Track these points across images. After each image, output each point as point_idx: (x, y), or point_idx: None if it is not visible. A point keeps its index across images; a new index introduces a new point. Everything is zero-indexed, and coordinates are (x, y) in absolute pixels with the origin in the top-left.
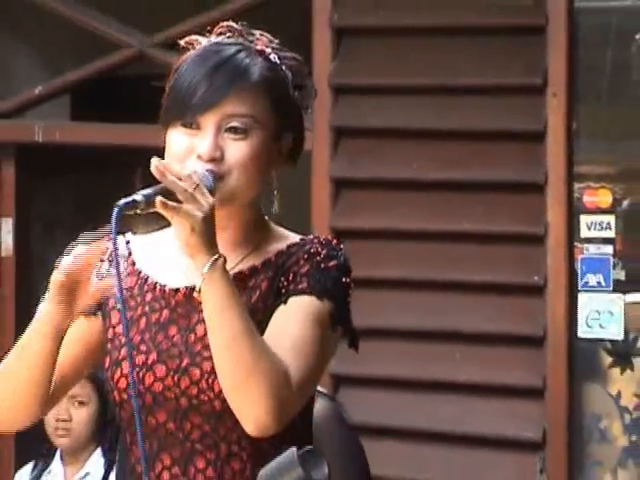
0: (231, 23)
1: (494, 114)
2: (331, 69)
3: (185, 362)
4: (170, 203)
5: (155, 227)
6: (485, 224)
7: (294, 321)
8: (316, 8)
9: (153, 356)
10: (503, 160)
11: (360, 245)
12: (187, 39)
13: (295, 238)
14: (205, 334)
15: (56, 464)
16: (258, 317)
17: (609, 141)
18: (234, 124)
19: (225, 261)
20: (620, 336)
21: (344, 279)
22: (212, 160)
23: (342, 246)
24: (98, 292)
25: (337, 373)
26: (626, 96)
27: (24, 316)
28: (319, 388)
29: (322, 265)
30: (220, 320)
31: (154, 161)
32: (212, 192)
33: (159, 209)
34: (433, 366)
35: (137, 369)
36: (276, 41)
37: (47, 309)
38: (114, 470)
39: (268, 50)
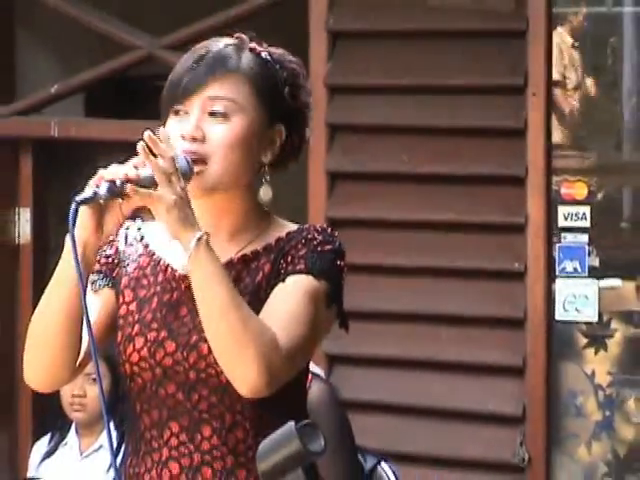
0: (240, 34)
1: (478, 112)
2: (327, 70)
3: (194, 339)
4: (142, 190)
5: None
6: (469, 214)
7: (290, 297)
8: (313, 13)
9: (164, 333)
10: (486, 155)
11: (354, 233)
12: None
13: (293, 227)
14: None
15: (72, 436)
16: (262, 297)
17: (585, 138)
18: (215, 107)
19: (209, 237)
20: (595, 318)
21: (339, 262)
22: (194, 139)
23: (337, 233)
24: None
25: (331, 353)
26: (601, 98)
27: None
28: (317, 371)
29: (319, 248)
30: (209, 292)
31: (146, 133)
32: (188, 174)
33: (131, 196)
34: (421, 346)
35: (149, 345)
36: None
37: (75, 239)
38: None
39: (260, 48)
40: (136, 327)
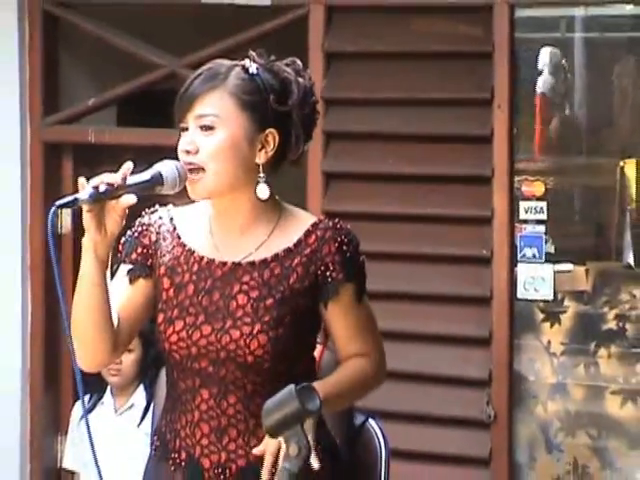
0: (253, 53)
1: (452, 122)
2: (323, 85)
3: (228, 324)
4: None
5: (187, 200)
6: (444, 208)
7: (356, 315)
8: (311, 37)
9: (201, 318)
10: (458, 158)
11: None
12: None
13: (312, 218)
14: (245, 303)
15: (107, 397)
16: (299, 298)
17: (542, 143)
18: (203, 122)
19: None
20: (550, 297)
21: (361, 258)
22: (188, 152)
23: (349, 227)
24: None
25: None
26: (556, 109)
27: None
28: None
29: (348, 254)
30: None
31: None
32: (177, 182)
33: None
34: (403, 321)
35: (187, 327)
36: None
37: (85, 242)
38: (153, 401)
39: (248, 64)
40: (175, 311)
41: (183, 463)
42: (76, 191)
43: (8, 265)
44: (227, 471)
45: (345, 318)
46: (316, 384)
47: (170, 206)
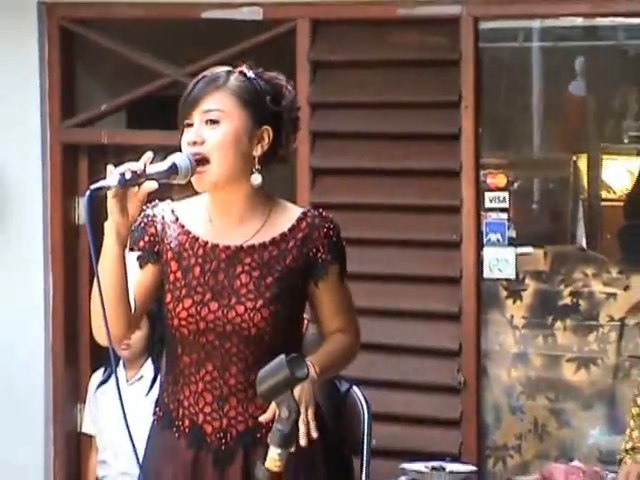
0: (241, 64)
1: (424, 122)
2: (309, 91)
3: (233, 300)
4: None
5: (189, 193)
6: (418, 199)
7: (340, 294)
8: (299, 48)
9: (208, 295)
10: (431, 154)
11: (333, 215)
12: None
13: (299, 208)
14: (248, 282)
15: (120, 369)
16: (293, 277)
17: (505, 141)
18: (209, 116)
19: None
20: (513, 277)
21: (343, 242)
22: (194, 143)
23: (331, 216)
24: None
25: None
26: (516, 109)
27: (96, 269)
28: (308, 317)
29: (334, 239)
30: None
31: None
32: (190, 171)
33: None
34: (382, 299)
35: (195, 304)
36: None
37: (108, 225)
38: (160, 373)
39: (246, 70)
40: (183, 291)
41: (187, 430)
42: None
43: (32, 252)
44: (228, 435)
45: (331, 296)
46: (312, 357)
47: (168, 200)
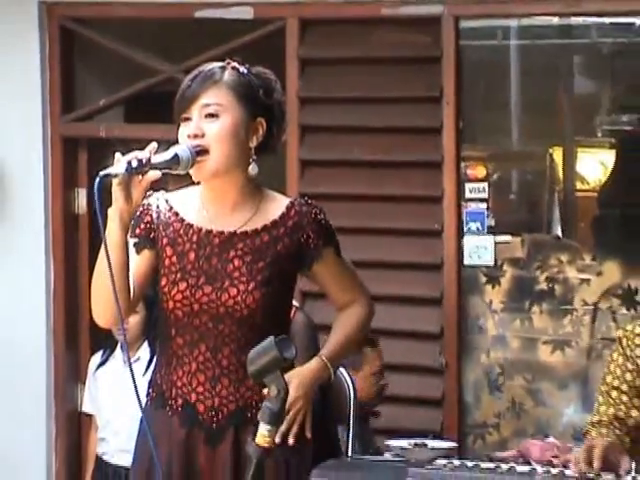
0: (229, 60)
1: (407, 116)
2: (298, 86)
3: (226, 283)
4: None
5: (183, 184)
6: (402, 189)
7: (339, 270)
8: (288, 46)
9: (202, 279)
10: (413, 147)
11: (321, 204)
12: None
13: (287, 198)
14: (241, 266)
15: (118, 351)
16: (284, 262)
17: (484, 134)
18: (208, 110)
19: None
20: (491, 263)
21: (330, 223)
22: (195, 136)
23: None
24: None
25: (304, 290)
26: (495, 105)
27: (95, 260)
28: (295, 304)
29: (323, 222)
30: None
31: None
32: (191, 161)
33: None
34: (367, 284)
35: (190, 287)
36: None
37: (112, 211)
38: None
39: (239, 66)
40: (179, 274)
41: (179, 409)
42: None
43: (34, 240)
44: (219, 414)
45: (333, 274)
46: (322, 351)
47: (162, 191)
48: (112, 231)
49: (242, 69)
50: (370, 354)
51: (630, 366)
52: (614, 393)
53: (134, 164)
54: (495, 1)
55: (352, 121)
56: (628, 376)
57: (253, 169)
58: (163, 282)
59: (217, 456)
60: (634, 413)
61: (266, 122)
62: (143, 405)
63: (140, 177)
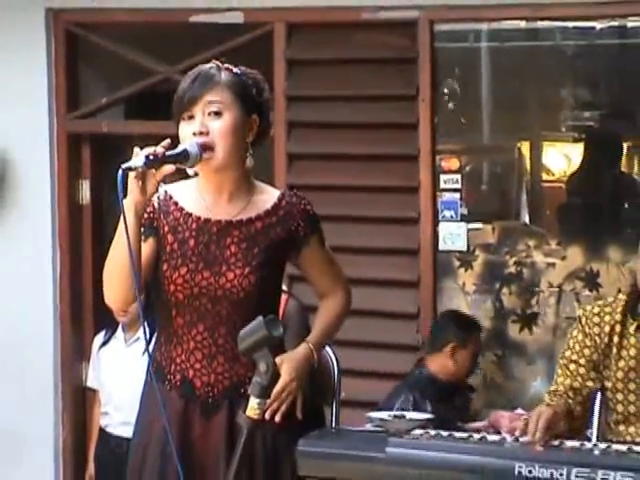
0: (215, 61)
1: (386, 112)
2: (285, 85)
3: (224, 268)
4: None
5: (178, 178)
6: (382, 180)
7: (323, 257)
8: (276, 48)
9: (201, 264)
10: (393, 141)
11: (307, 195)
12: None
13: (276, 190)
14: (237, 252)
15: (119, 332)
16: (276, 249)
17: (457, 129)
18: (212, 109)
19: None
20: (464, 249)
21: (316, 213)
22: (201, 134)
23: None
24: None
25: (290, 274)
26: (467, 102)
27: (98, 246)
28: (285, 288)
29: (310, 212)
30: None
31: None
32: (199, 157)
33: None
34: (350, 269)
35: (190, 272)
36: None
37: (127, 202)
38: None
39: (232, 67)
40: (179, 260)
41: (178, 383)
42: (114, 168)
43: (41, 228)
44: (215, 389)
45: (318, 260)
46: (309, 338)
47: (161, 183)
48: (129, 221)
49: (236, 70)
50: (474, 338)
51: (588, 342)
52: (572, 366)
53: (151, 158)
54: (467, 7)
55: (335, 117)
56: (586, 351)
57: (250, 162)
58: (165, 267)
59: (212, 428)
60: (589, 384)
61: (258, 117)
62: (145, 379)
63: (154, 171)
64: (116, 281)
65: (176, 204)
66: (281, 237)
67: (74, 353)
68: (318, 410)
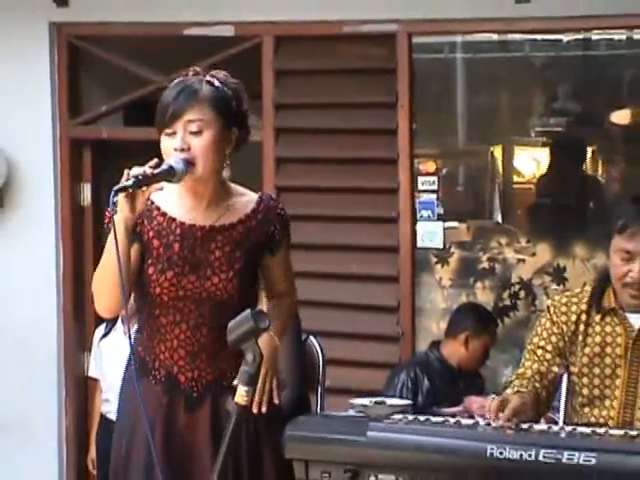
0: (196, 67)
1: (368, 118)
2: (273, 94)
3: (208, 272)
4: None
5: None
6: (363, 182)
7: (288, 260)
8: (264, 58)
9: (187, 268)
10: (373, 145)
11: (292, 195)
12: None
13: (255, 194)
14: (221, 256)
15: (119, 324)
16: (256, 252)
17: (434, 134)
18: (192, 127)
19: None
20: (441, 246)
21: (290, 223)
22: (182, 150)
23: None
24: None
25: None
26: (443, 109)
27: (98, 245)
28: None
29: (285, 218)
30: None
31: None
32: (185, 171)
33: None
34: (334, 265)
35: (176, 275)
36: (230, 78)
37: (118, 219)
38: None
39: (212, 79)
40: (166, 264)
41: (163, 379)
42: (114, 172)
43: (45, 229)
44: (199, 384)
45: (281, 264)
46: (272, 330)
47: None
48: (119, 236)
49: (216, 83)
50: (489, 331)
51: (555, 330)
52: (539, 352)
53: (140, 178)
54: (443, 20)
55: (320, 124)
56: (553, 338)
57: (226, 172)
58: (151, 270)
59: (196, 420)
60: (554, 369)
61: (237, 129)
62: (124, 374)
63: (144, 189)
64: (106, 292)
65: (158, 209)
66: (260, 240)
67: (76, 345)
68: (304, 397)
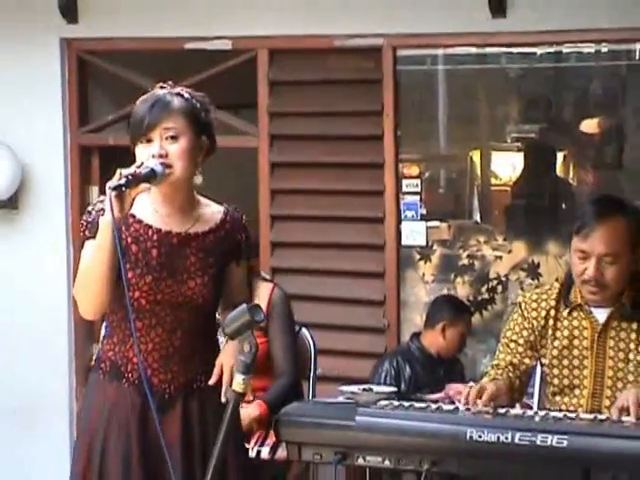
0: (163, 84)
1: (355, 126)
2: (268, 103)
3: (185, 276)
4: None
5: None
6: (352, 185)
7: (245, 269)
8: (259, 70)
9: (165, 273)
10: (361, 151)
11: (286, 198)
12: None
13: (217, 204)
14: (195, 262)
15: None
16: (226, 258)
17: (417, 141)
18: (169, 134)
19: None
20: (424, 244)
21: (252, 237)
22: (160, 156)
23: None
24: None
25: (273, 266)
26: (426, 117)
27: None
28: (265, 276)
29: (248, 229)
30: None
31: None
32: (163, 174)
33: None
34: (325, 262)
35: (155, 280)
36: (195, 92)
37: (108, 217)
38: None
39: (182, 92)
40: (144, 269)
41: (136, 381)
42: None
43: (57, 228)
44: (171, 386)
45: (243, 272)
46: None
47: None
48: (106, 235)
49: (186, 95)
50: (464, 320)
51: (526, 325)
52: (512, 345)
53: (130, 178)
54: (425, 35)
55: (312, 130)
56: (524, 332)
57: (198, 179)
58: (130, 275)
59: (168, 421)
60: (526, 361)
61: (207, 138)
62: (90, 378)
63: (129, 191)
64: (90, 296)
65: (134, 217)
66: (229, 249)
67: (85, 336)
68: (297, 385)
